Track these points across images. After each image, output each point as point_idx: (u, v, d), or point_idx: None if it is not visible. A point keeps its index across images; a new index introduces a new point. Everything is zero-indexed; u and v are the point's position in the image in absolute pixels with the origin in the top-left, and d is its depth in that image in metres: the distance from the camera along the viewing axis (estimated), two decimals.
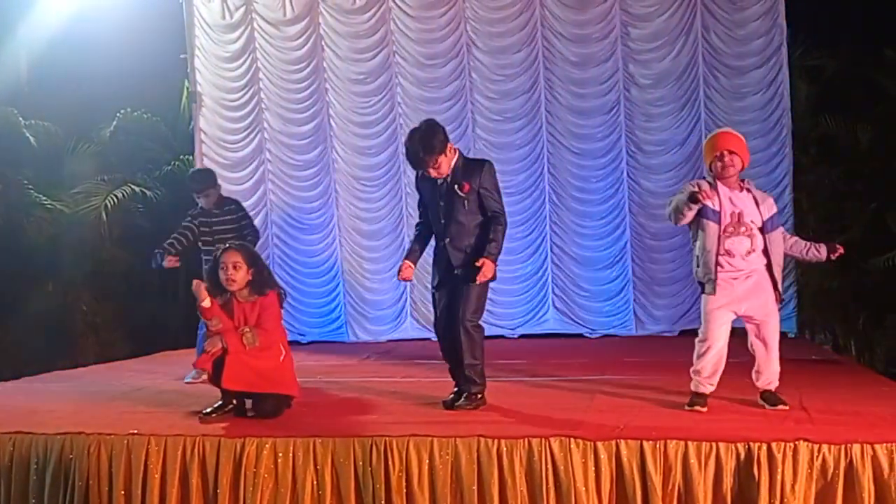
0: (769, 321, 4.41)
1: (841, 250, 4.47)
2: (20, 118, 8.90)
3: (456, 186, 4.53)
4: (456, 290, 4.60)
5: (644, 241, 8.17)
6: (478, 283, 4.47)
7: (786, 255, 4.54)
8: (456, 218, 4.57)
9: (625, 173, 8.18)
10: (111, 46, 8.71)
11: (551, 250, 8.36)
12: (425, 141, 4.45)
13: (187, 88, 9.05)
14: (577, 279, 8.31)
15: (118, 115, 9.24)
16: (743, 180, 4.44)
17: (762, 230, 4.33)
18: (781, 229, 4.50)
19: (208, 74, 8.76)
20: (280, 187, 8.74)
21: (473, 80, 8.37)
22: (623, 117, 8.14)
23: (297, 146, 8.71)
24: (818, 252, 4.53)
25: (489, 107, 8.37)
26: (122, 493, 4.02)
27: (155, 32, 8.79)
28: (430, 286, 4.87)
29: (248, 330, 4.47)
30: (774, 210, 4.43)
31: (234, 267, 4.55)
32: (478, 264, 4.45)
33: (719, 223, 4.30)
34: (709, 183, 4.37)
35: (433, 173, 4.53)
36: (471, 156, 8.18)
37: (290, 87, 8.67)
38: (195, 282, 4.54)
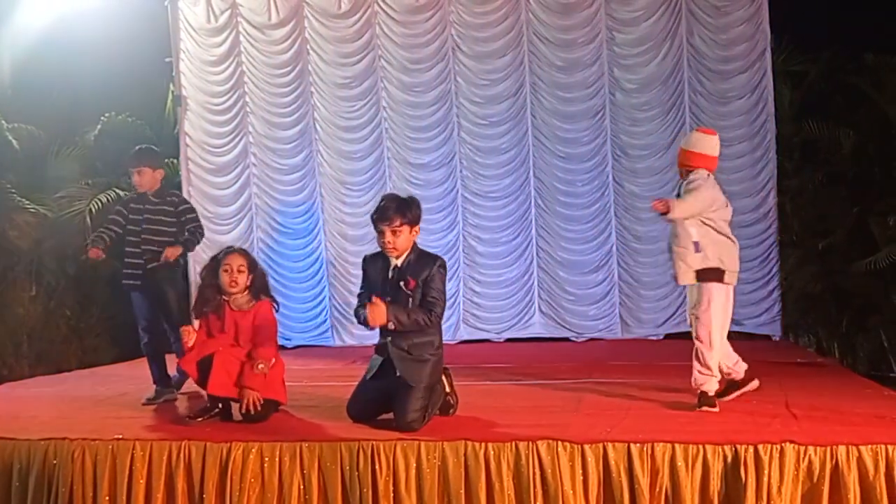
0: None
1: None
2: (3, 121, 8.83)
3: (402, 283, 4.25)
4: (395, 392, 4.21)
5: (629, 244, 8.20)
6: (421, 384, 4.17)
7: None
8: None
9: (610, 177, 8.21)
10: (96, 50, 8.66)
11: (537, 254, 8.37)
12: (402, 203, 4.26)
13: (172, 92, 9.01)
14: (563, 283, 8.32)
15: (102, 118, 9.18)
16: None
17: None
18: None
19: (193, 78, 8.73)
20: (265, 191, 8.71)
21: (459, 85, 8.38)
22: (608, 121, 8.17)
23: (282, 150, 8.68)
24: None
25: (474, 111, 8.38)
26: (107, 498, 3.99)
27: (140, 36, 8.75)
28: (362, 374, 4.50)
29: (261, 365, 4.44)
30: None
31: (240, 270, 4.56)
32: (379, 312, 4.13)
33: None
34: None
35: (388, 238, 4.23)
36: (457, 159, 8.40)
37: (275, 91, 8.65)
38: (184, 329, 4.54)
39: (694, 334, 4.60)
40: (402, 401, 4.16)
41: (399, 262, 4.31)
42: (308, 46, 8.55)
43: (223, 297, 4.60)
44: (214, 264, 4.63)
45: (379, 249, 4.38)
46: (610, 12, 8.12)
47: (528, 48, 8.25)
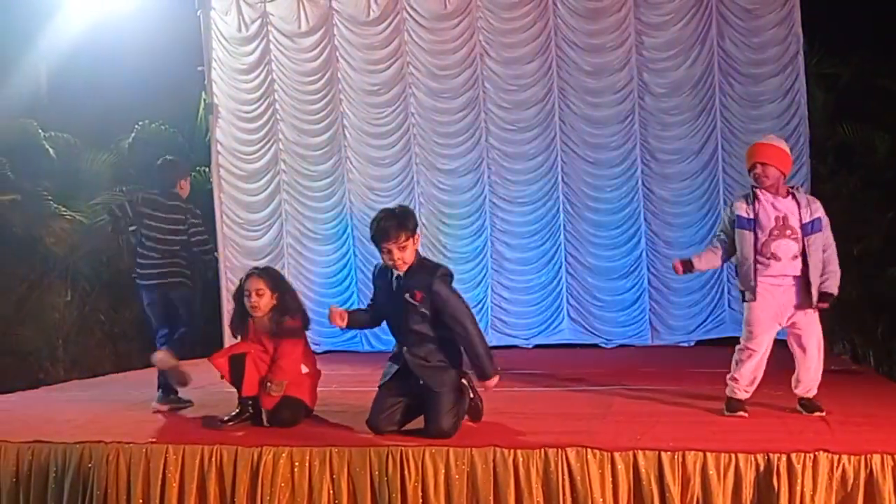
0: (810, 329, 4.40)
1: (825, 305, 4.36)
2: (40, 130, 8.99)
3: (407, 295, 4.15)
4: (421, 397, 4.21)
5: (659, 250, 8.13)
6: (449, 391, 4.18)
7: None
8: (411, 327, 4.21)
9: (640, 182, 8.15)
10: (130, 59, 8.81)
11: (566, 260, 8.34)
12: (401, 217, 4.16)
13: (204, 100, 9.13)
14: (592, 289, 8.28)
15: (136, 126, 9.32)
16: (793, 186, 4.49)
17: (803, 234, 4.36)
18: (824, 236, 4.39)
19: (224, 86, 8.85)
20: (295, 198, 8.79)
21: (487, 90, 8.38)
22: (637, 126, 8.12)
23: (311, 157, 8.76)
24: (817, 292, 4.35)
25: (503, 117, 8.38)
26: (140, 501, 4.05)
27: (173, 45, 8.88)
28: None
29: (271, 385, 4.48)
30: (818, 215, 4.38)
31: (258, 294, 4.58)
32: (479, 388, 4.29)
33: (754, 231, 4.35)
34: (745, 196, 4.46)
35: (396, 255, 4.13)
36: (485, 164, 8.41)
37: (304, 99, 8.73)
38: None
39: None
40: (432, 408, 4.14)
41: (401, 271, 4.24)
42: (337, 54, 8.62)
43: (249, 318, 4.66)
44: (240, 288, 4.69)
45: None
46: (639, 16, 8.07)
47: (556, 53, 8.23)
